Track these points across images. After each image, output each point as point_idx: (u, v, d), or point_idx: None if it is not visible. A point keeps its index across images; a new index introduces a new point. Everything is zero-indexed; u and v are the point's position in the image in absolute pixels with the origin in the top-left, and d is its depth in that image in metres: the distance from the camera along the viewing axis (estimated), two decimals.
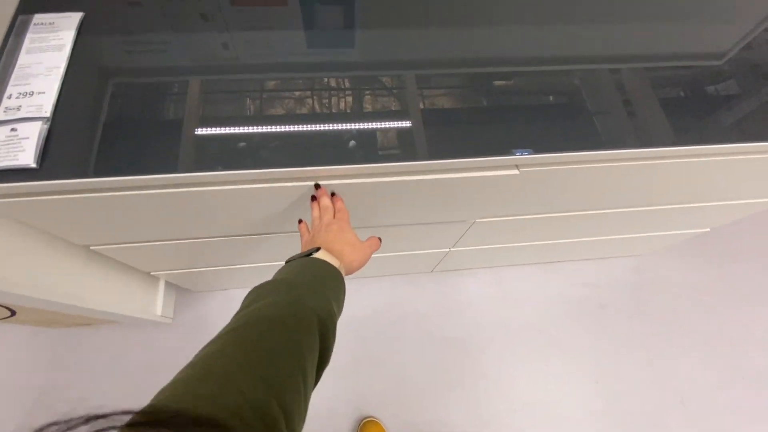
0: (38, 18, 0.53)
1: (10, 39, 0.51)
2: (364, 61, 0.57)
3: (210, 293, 1.13)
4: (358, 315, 1.13)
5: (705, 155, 0.57)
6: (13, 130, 0.44)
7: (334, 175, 0.51)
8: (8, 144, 0.43)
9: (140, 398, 0.23)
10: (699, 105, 0.57)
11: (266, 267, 0.88)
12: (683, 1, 0.66)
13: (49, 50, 0.50)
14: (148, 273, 0.85)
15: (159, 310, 1.01)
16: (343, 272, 0.45)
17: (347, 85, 0.55)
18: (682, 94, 0.58)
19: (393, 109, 0.53)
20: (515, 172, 0.54)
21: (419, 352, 1.11)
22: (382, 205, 0.61)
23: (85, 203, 0.48)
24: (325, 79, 0.54)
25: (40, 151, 0.44)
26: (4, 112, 0.45)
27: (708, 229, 1.01)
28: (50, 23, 0.52)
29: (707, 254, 1.28)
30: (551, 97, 0.56)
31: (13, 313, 0.74)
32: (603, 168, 0.56)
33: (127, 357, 1.05)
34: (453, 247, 0.91)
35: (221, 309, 1.11)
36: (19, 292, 0.59)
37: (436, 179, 0.53)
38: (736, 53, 0.62)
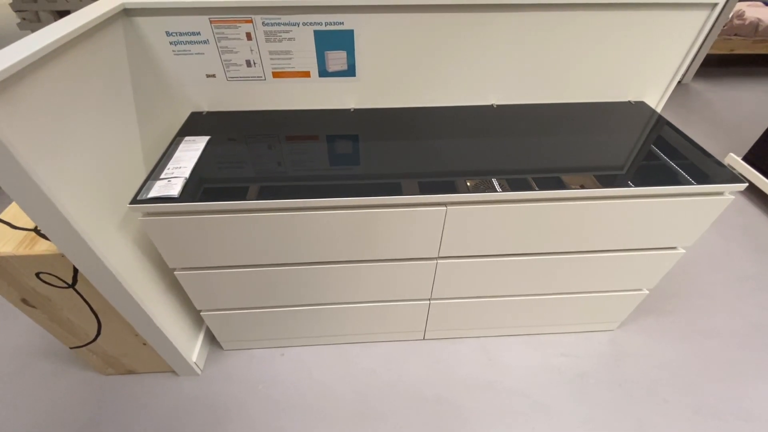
0: (187, 138, 1.01)
1: (173, 146, 0.98)
2: (364, 173, 0.99)
3: (236, 353, 1.35)
4: (360, 374, 1.29)
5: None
6: (169, 180, 0.85)
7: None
8: (167, 186, 0.83)
9: None
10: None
11: (302, 312, 1.15)
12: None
13: (190, 151, 0.96)
14: (199, 313, 1.13)
15: (195, 357, 1.23)
16: None
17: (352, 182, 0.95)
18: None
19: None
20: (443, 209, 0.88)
21: (414, 409, 1.21)
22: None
23: (193, 223, 0.85)
24: (335, 182, 0.96)
25: (180, 190, 0.83)
26: (166, 173, 0.87)
27: (646, 291, 1.22)
28: (192, 140, 1.00)
29: (678, 331, 1.41)
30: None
31: (73, 284, 0.94)
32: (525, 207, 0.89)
33: (158, 402, 1.22)
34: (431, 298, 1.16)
35: (244, 368, 1.30)
36: (132, 293, 0.90)
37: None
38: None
